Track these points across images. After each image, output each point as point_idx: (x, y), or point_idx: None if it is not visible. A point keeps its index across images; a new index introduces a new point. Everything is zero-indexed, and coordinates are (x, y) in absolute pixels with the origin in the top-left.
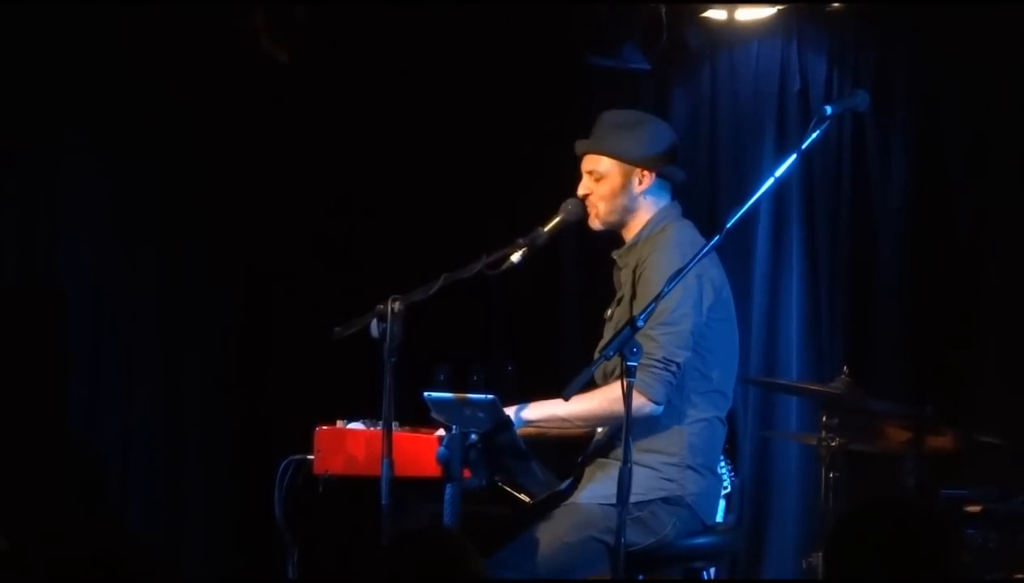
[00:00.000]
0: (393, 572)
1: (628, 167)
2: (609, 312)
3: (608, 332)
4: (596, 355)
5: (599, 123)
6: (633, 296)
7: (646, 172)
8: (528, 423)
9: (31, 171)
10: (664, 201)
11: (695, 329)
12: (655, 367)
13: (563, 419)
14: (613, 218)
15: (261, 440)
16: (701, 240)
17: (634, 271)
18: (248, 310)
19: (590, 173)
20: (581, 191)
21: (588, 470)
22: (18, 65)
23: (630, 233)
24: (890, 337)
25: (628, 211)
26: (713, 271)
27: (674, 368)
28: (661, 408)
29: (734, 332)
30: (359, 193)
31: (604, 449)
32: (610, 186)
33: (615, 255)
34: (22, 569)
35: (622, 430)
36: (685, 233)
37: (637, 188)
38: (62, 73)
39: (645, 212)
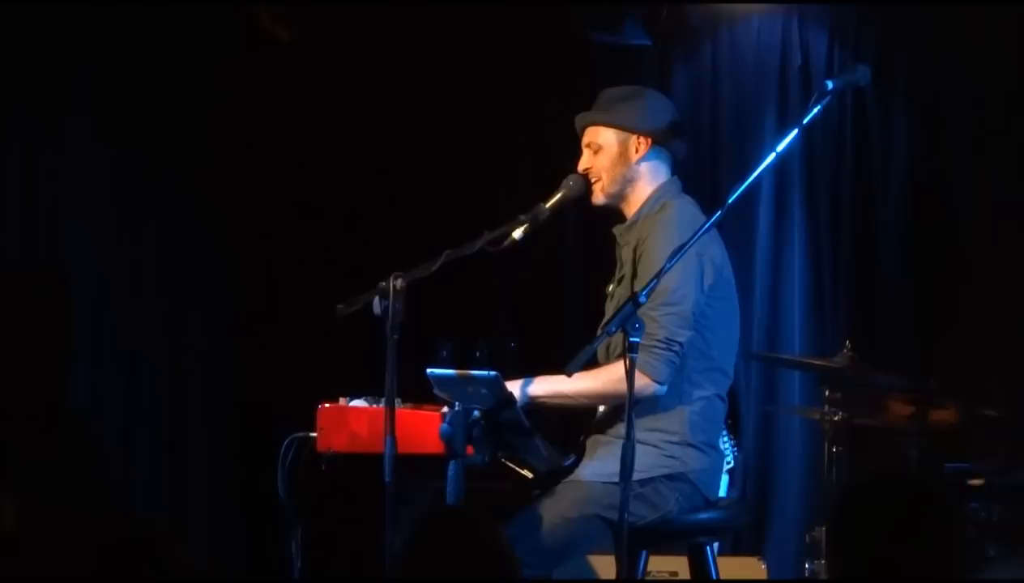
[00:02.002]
0: (424, 554)
1: (624, 134)
2: (610, 288)
3: (609, 309)
4: (599, 332)
5: (598, 99)
6: (634, 275)
7: (642, 138)
8: (531, 398)
9: (33, 150)
10: (663, 175)
11: (696, 308)
12: (658, 347)
13: (566, 396)
14: (615, 189)
15: (264, 418)
16: (702, 217)
17: (634, 250)
18: (250, 288)
19: (588, 145)
20: (581, 166)
21: (588, 447)
22: (19, 43)
23: (631, 208)
24: (892, 311)
25: (628, 181)
26: (714, 249)
27: (677, 348)
28: (664, 388)
29: (735, 311)
30: (361, 170)
31: (604, 426)
32: (609, 156)
33: (615, 231)
34: (30, 549)
35: (622, 407)
36: (685, 210)
37: (634, 156)
38: (63, 51)
39: (645, 184)
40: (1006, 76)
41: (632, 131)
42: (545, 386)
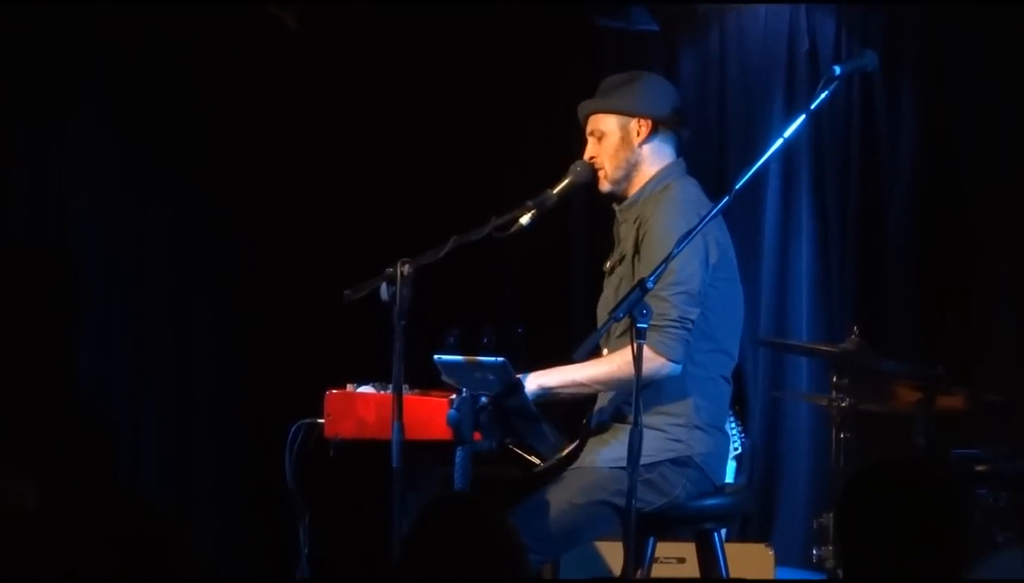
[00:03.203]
0: (431, 540)
1: (625, 119)
2: (608, 265)
3: (609, 288)
4: (600, 312)
5: (599, 87)
6: (636, 254)
7: (643, 121)
8: (548, 390)
9: (39, 134)
10: (668, 157)
11: (701, 287)
12: (671, 327)
13: (581, 384)
14: (619, 174)
15: (272, 404)
16: (705, 197)
17: (637, 229)
18: (258, 273)
19: (592, 134)
20: (587, 155)
21: (594, 432)
22: (26, 27)
23: (633, 189)
24: (900, 297)
25: (633, 165)
26: (717, 231)
27: (689, 326)
28: (679, 367)
29: (738, 292)
30: (369, 155)
31: (609, 411)
32: (612, 142)
33: (616, 207)
34: (43, 531)
35: (628, 392)
36: (688, 190)
37: (636, 139)
38: (70, 35)
39: (649, 166)
40: (1013, 60)
41: (632, 115)
42: (559, 376)
